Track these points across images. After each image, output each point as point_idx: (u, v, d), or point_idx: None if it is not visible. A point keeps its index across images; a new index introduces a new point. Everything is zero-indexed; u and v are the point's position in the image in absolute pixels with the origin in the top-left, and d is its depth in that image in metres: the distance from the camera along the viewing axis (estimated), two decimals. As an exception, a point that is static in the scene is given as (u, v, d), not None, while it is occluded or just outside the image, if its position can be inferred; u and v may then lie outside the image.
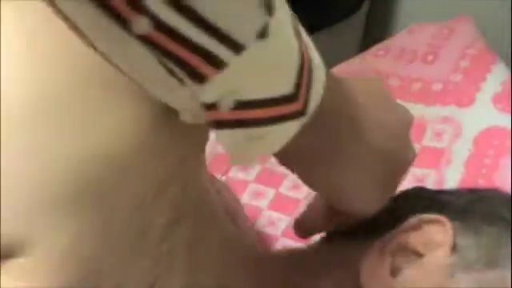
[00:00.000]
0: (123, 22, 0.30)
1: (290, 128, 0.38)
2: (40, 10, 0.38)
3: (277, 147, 0.39)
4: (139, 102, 0.37)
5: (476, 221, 0.50)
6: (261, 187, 0.85)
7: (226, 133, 0.37)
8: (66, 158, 0.36)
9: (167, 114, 0.38)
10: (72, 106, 0.36)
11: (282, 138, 0.39)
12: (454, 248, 0.48)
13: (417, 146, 0.87)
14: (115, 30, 0.31)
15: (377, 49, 1.03)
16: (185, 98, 0.34)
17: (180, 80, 0.33)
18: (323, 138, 0.42)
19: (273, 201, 0.83)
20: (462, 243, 0.48)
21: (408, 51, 1.00)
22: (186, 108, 0.36)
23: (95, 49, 0.33)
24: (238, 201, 0.68)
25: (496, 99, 0.89)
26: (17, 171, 0.35)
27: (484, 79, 0.92)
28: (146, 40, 0.31)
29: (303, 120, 0.39)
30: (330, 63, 1.12)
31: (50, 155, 0.35)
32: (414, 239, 0.49)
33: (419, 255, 0.49)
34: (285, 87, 0.37)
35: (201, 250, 0.46)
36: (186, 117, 0.36)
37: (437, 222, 0.49)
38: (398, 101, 0.92)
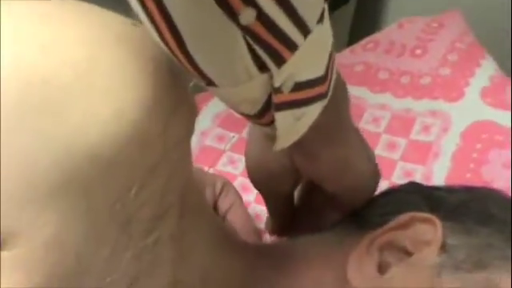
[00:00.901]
0: (232, 13, 0.33)
1: (318, 108, 0.42)
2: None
3: (306, 127, 0.42)
4: (128, 91, 0.37)
5: (468, 220, 0.50)
6: (248, 181, 0.84)
7: (282, 115, 0.40)
8: (51, 149, 0.35)
9: (157, 103, 0.37)
10: (58, 93, 0.35)
11: (312, 118, 0.42)
12: (443, 247, 0.48)
13: (405, 140, 0.87)
14: (221, 18, 0.33)
15: (366, 42, 1.03)
16: (256, 86, 0.37)
17: (261, 67, 0.36)
18: (329, 116, 0.44)
19: (259, 194, 0.82)
20: (452, 243, 0.48)
21: (397, 45, 1.00)
22: (246, 98, 0.39)
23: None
24: (238, 193, 0.68)
25: (484, 93, 0.89)
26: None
27: (473, 74, 0.92)
28: (246, 29, 0.34)
29: (325, 101, 0.42)
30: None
31: (32, 147, 0.35)
32: (403, 237, 0.49)
33: (408, 253, 0.48)
34: (322, 69, 0.40)
35: (186, 242, 0.46)
36: (244, 109, 0.39)
37: (427, 220, 0.49)
38: (387, 94, 0.93)
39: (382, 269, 0.48)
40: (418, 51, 0.98)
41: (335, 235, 0.53)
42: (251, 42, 0.35)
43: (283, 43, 0.36)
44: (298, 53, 0.37)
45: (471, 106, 0.88)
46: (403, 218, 0.50)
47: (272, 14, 0.34)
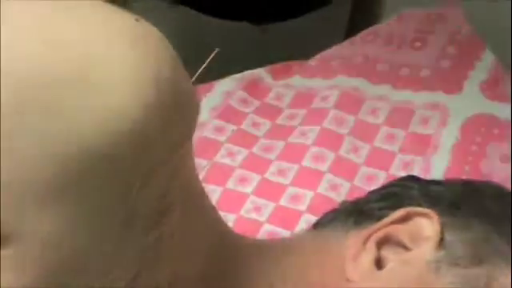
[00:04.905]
0: None
1: None
2: None
3: None
4: (130, 89, 0.36)
5: (465, 215, 0.50)
6: (246, 173, 0.84)
7: None
8: (50, 147, 0.35)
9: (159, 101, 0.37)
10: (59, 91, 0.35)
11: None
12: (441, 243, 0.48)
13: (404, 132, 0.87)
14: None
15: (366, 34, 1.03)
16: None
17: None
18: None
19: (258, 186, 0.82)
20: (450, 238, 0.48)
21: (397, 37, 0.99)
22: None
23: None
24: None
25: (484, 86, 0.89)
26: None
27: (472, 66, 0.92)
28: None
29: None
30: (315, 47, 1.13)
31: (31, 146, 0.34)
32: (401, 232, 0.49)
33: (405, 248, 0.48)
34: None
35: (187, 240, 0.45)
36: None
37: (425, 215, 0.49)
38: (386, 86, 0.93)
39: (379, 264, 0.48)
40: (418, 43, 0.97)
41: (333, 231, 0.53)
42: None
43: None
44: None
45: (470, 99, 0.88)
46: (401, 212, 0.49)
47: None
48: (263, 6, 1.37)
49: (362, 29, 1.06)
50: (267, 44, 1.42)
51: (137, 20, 0.39)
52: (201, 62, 0.92)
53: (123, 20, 0.39)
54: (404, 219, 0.49)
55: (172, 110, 0.38)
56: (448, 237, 0.48)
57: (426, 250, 0.47)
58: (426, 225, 0.48)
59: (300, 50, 1.07)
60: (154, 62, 0.38)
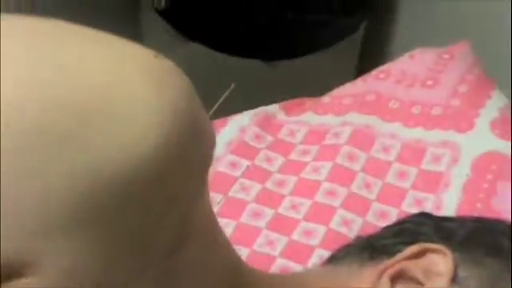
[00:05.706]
0: None
1: None
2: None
3: None
4: (148, 117, 0.37)
5: (478, 252, 0.50)
6: (260, 207, 0.85)
7: None
8: (70, 177, 0.35)
9: (176, 131, 0.38)
10: (75, 118, 0.35)
11: None
12: (454, 279, 0.48)
13: (416, 169, 0.88)
14: None
15: (378, 72, 1.04)
16: None
17: None
18: None
19: (271, 221, 0.83)
20: (463, 274, 0.49)
21: (408, 75, 1.00)
22: None
23: None
24: None
25: (494, 125, 0.90)
26: (19, 190, 0.34)
27: (483, 105, 0.93)
28: None
29: None
30: (326, 84, 1.14)
31: (53, 174, 0.35)
32: (415, 267, 0.49)
33: (419, 284, 0.49)
34: None
35: (201, 272, 0.46)
36: None
37: (439, 251, 0.49)
38: (398, 124, 0.94)
39: None
40: (429, 82, 0.98)
41: (347, 266, 0.53)
42: None
43: None
44: None
45: (481, 137, 0.89)
46: (415, 248, 0.50)
47: None
48: (275, 43, 1.39)
49: (373, 67, 1.07)
50: (279, 81, 1.43)
51: (155, 56, 0.40)
52: (214, 97, 0.93)
53: (143, 54, 0.40)
54: (417, 255, 0.50)
55: (190, 139, 0.39)
56: (461, 273, 0.49)
57: (439, 286, 0.48)
58: (440, 261, 0.49)
59: (311, 88, 1.09)
60: (173, 93, 0.38)
